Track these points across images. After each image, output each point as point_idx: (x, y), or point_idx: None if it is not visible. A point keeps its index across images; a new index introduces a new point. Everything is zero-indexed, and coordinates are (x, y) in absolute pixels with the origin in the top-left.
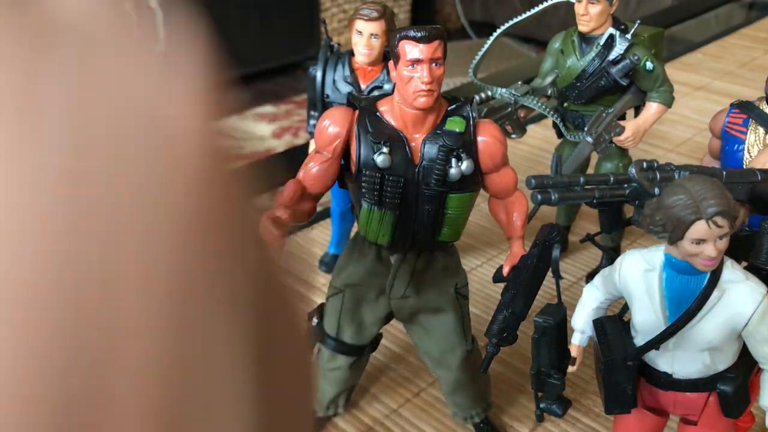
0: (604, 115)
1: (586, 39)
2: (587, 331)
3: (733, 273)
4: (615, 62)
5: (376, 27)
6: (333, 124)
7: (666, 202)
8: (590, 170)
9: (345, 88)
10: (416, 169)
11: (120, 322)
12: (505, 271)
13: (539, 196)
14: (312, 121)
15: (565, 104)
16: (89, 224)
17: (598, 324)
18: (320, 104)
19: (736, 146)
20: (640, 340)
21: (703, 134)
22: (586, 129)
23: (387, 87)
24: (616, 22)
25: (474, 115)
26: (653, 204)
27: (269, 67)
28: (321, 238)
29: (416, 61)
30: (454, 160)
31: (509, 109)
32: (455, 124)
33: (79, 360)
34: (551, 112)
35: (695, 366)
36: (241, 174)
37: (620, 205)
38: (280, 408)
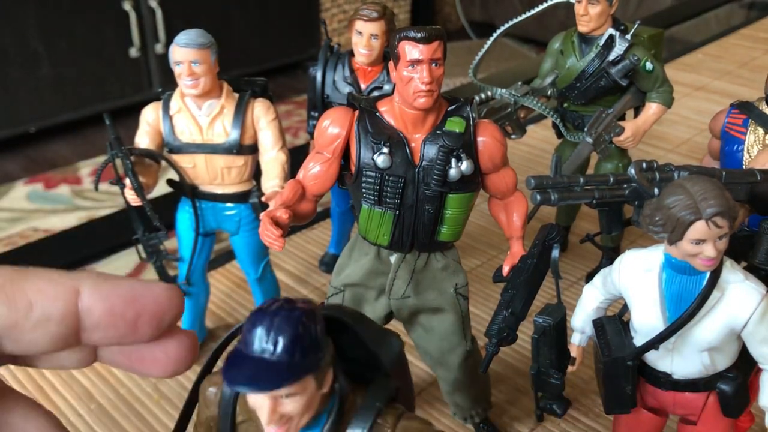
0: (603, 115)
1: (586, 39)
2: (587, 331)
3: (732, 273)
4: (615, 63)
5: (376, 27)
6: (333, 125)
7: (665, 202)
8: (590, 170)
9: (345, 89)
10: (416, 170)
11: None
12: (505, 271)
13: (539, 196)
14: (312, 122)
15: (565, 104)
16: None
17: (598, 324)
18: (320, 104)
19: (736, 146)
20: (639, 340)
21: (703, 134)
22: (585, 129)
23: (387, 87)
24: (616, 23)
25: (474, 115)
26: (653, 204)
27: (269, 67)
28: (321, 238)
29: (416, 62)
30: (453, 161)
31: (509, 110)
32: (455, 125)
33: None
34: (551, 113)
35: (695, 366)
36: None
37: (620, 206)
38: None
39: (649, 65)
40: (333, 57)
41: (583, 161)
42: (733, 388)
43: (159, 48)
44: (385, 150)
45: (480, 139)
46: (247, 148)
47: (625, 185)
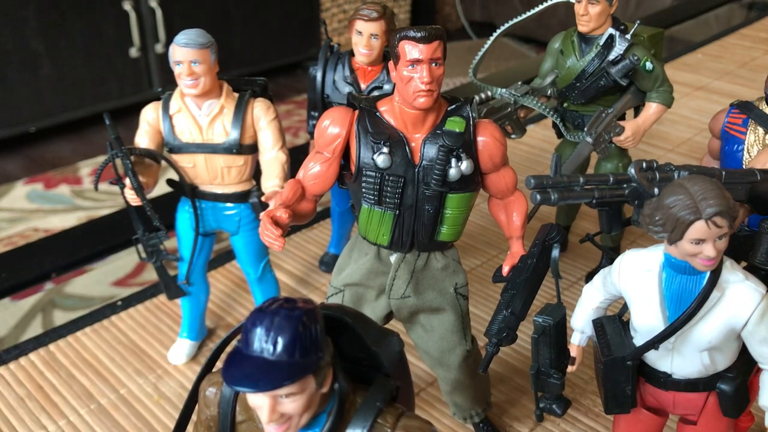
0: (603, 115)
1: (586, 39)
2: (587, 331)
3: (732, 273)
4: (615, 62)
5: (376, 27)
6: (333, 125)
7: (665, 202)
8: (590, 170)
9: (345, 88)
10: (416, 169)
11: None
12: (505, 271)
13: (539, 196)
14: (312, 122)
15: (565, 104)
16: None
17: (598, 324)
18: (320, 104)
19: (736, 146)
20: (639, 340)
21: (703, 134)
22: (585, 129)
23: (387, 87)
24: (616, 23)
25: (474, 115)
26: (653, 204)
27: (269, 67)
28: (321, 238)
29: (416, 61)
30: (453, 160)
31: (509, 109)
32: (455, 124)
33: None
34: (551, 112)
35: (695, 366)
36: None
37: (620, 205)
38: None
39: (649, 65)
40: (333, 57)
41: (583, 161)
42: (733, 388)
43: (159, 48)
44: (385, 150)
45: (480, 138)
46: (247, 148)
47: (625, 185)
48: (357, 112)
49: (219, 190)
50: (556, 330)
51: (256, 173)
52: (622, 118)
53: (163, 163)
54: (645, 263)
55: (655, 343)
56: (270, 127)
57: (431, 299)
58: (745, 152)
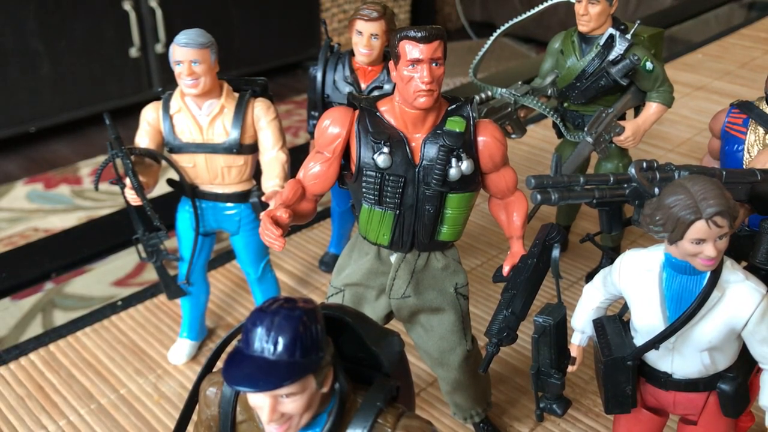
0: (603, 115)
1: (586, 39)
2: (587, 331)
3: (732, 273)
4: (615, 62)
5: (376, 27)
6: (333, 125)
7: (666, 201)
8: (590, 170)
9: (345, 88)
10: (416, 169)
11: None
12: (505, 270)
13: (539, 196)
14: (312, 122)
15: (565, 104)
16: None
17: (598, 324)
18: (320, 104)
19: (736, 146)
20: (639, 340)
21: (703, 134)
22: (586, 129)
23: (387, 87)
24: (616, 23)
25: (474, 115)
26: (653, 204)
27: (269, 67)
28: (321, 237)
29: (416, 61)
30: (454, 160)
31: (509, 109)
32: (455, 124)
33: None
34: (551, 112)
35: (695, 366)
36: None
37: (620, 205)
38: None
39: (649, 65)
40: (333, 57)
41: (583, 161)
42: (733, 388)
43: (159, 48)
44: (386, 150)
45: (480, 138)
46: (247, 148)
47: (625, 185)
48: (357, 112)
49: (219, 190)
50: (557, 330)
51: (257, 173)
52: (622, 118)
53: (163, 163)
54: (645, 263)
55: (655, 343)
56: (270, 126)
57: (431, 299)
58: (745, 152)
